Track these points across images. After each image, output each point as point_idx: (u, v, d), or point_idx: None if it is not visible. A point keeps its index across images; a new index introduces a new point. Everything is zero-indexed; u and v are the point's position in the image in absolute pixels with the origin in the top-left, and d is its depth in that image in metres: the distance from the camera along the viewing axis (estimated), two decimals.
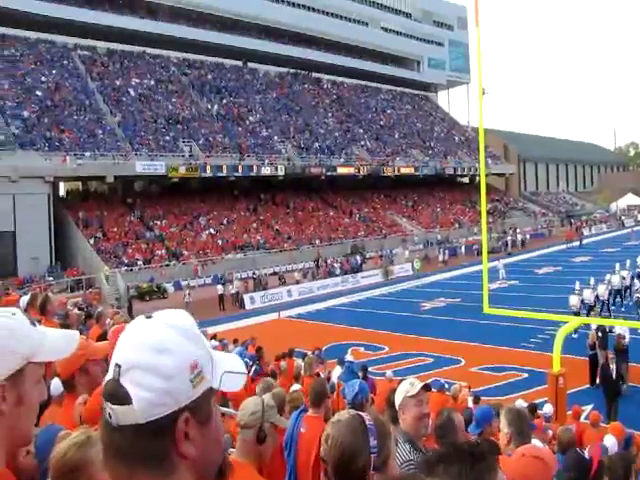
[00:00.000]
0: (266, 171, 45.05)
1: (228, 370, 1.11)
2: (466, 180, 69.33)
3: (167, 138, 43.33)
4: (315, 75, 66.10)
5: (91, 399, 2.85)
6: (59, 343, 1.35)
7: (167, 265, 35.01)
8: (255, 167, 44.24)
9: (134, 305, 28.58)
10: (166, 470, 1.02)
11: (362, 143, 58.94)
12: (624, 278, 24.56)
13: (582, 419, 10.03)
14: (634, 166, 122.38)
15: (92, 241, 34.79)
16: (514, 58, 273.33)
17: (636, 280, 23.80)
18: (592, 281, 22.50)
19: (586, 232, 54.13)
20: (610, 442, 6.79)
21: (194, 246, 37.90)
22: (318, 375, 9.87)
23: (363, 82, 71.08)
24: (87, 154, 36.41)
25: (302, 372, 10.88)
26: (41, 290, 22.51)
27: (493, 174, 67.88)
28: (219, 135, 46.99)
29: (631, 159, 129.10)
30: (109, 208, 39.11)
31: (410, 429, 3.13)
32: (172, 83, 50.65)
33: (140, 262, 34.43)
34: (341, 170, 51.10)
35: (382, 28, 71.08)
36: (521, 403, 9.04)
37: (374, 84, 72.48)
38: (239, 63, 58.84)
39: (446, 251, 44.88)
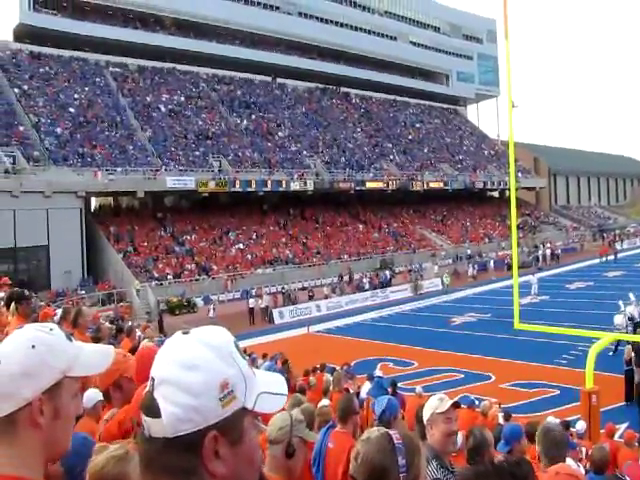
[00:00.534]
0: (295, 186, 45.26)
1: (266, 391, 1.11)
2: (496, 194, 68.76)
3: (197, 153, 43.84)
4: (344, 90, 66.39)
5: (115, 416, 2.89)
6: (95, 358, 1.39)
7: (197, 280, 35.29)
8: (284, 182, 44.48)
9: (164, 319, 28.84)
10: None
11: (391, 157, 58.91)
12: None
13: (616, 437, 9.83)
14: None
15: (123, 255, 35.25)
16: (544, 71, 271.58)
17: None
18: (633, 297, 21.88)
19: (619, 246, 53.06)
20: None
21: (223, 261, 38.17)
22: (347, 390, 9.84)
23: (392, 96, 71.16)
24: (118, 169, 37.00)
25: (331, 387, 10.86)
26: (73, 304, 22.89)
27: (523, 188, 67.29)
28: (248, 150, 47.41)
29: None
30: (140, 223, 39.63)
31: (438, 445, 3.11)
32: (202, 99, 51.31)
33: (170, 276, 34.76)
34: (370, 185, 51.10)
35: (411, 42, 71.28)
36: (553, 420, 8.88)
37: (403, 98, 72.51)
38: (268, 79, 59.39)
39: (475, 266, 44.48)
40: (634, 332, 19.69)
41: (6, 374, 1.22)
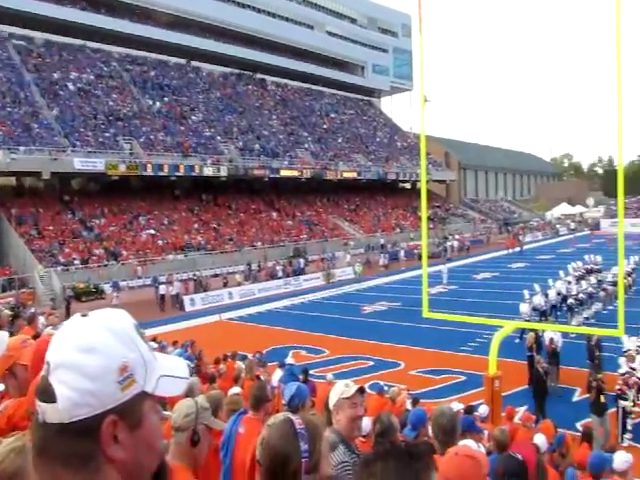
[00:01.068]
0: (208, 172, 44.59)
1: (167, 374, 1.07)
2: (408, 186, 70.39)
3: (107, 135, 42.27)
4: (259, 76, 65.91)
5: (5, 411, 2.69)
6: None
7: (105, 265, 34.16)
8: (197, 167, 43.71)
9: (72, 306, 27.75)
10: (91, 471, 0.98)
11: (306, 146, 59.02)
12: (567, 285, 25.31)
13: (516, 419, 10.27)
14: (568, 176, 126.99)
15: (26, 239, 33.60)
16: (457, 67, 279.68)
17: (575, 285, 24.47)
18: (538, 287, 22.92)
19: (522, 239, 55.58)
20: (540, 441, 7.00)
21: (133, 246, 37.12)
22: (259, 378, 9.77)
23: (307, 85, 71.34)
24: (21, 148, 35.14)
25: (243, 375, 10.76)
26: None
27: (434, 180, 69.26)
28: (161, 134, 46.17)
29: (565, 170, 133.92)
30: (44, 205, 37.86)
31: (344, 430, 3.14)
32: (113, 78, 49.48)
33: (77, 262, 33.46)
34: (284, 173, 51.09)
35: (327, 32, 71.56)
36: (456, 405, 9.16)
37: (318, 87, 72.84)
38: (183, 61, 58.07)
39: (387, 255, 45.39)
40: (539, 321, 20.73)
41: None
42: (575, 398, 14.56)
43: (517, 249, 50.09)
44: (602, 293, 24.95)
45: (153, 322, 24.03)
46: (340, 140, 65.41)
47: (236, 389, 7.70)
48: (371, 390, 11.16)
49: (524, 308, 20.79)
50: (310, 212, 53.70)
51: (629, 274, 28.52)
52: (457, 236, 56.17)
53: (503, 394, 12.72)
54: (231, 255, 40.20)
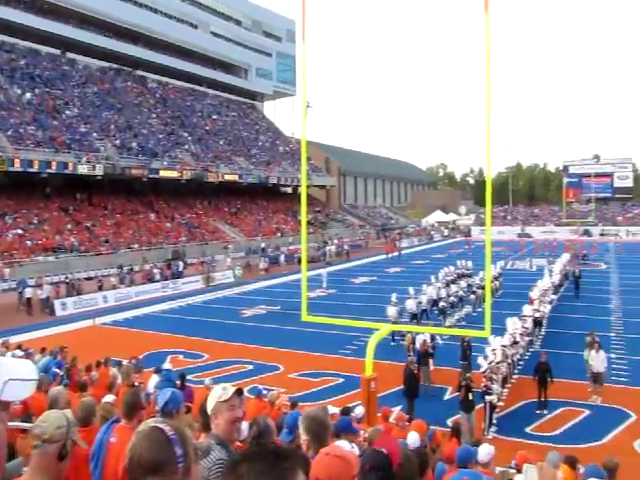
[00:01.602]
0: (83, 169, 42.52)
1: (14, 378, 1.01)
2: (289, 190, 70.93)
3: None
4: (140, 73, 63.89)
5: None
6: None
7: None
8: (71, 165, 41.57)
9: None
10: None
11: (186, 147, 57.84)
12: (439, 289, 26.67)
13: (391, 419, 10.59)
14: (442, 185, 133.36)
15: None
16: (340, 75, 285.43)
17: (447, 289, 25.70)
18: (412, 291, 23.88)
19: (400, 245, 57.59)
20: (412, 438, 7.28)
21: None
22: (134, 385, 9.42)
23: (190, 85, 70.12)
24: None
25: (119, 381, 10.36)
26: None
27: (315, 186, 70.31)
28: (31, 127, 43.44)
29: (440, 179, 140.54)
30: None
31: (223, 434, 3.10)
32: None
33: None
34: (164, 173, 49.84)
35: (212, 32, 70.78)
36: (332, 408, 9.31)
37: (201, 88, 71.81)
38: (57, 52, 55.10)
39: (267, 259, 45.45)
40: (410, 323, 21.63)
41: None
42: (446, 396, 15.26)
43: (396, 254, 51.87)
44: (472, 296, 26.40)
45: (19, 328, 22.61)
46: (222, 142, 64.74)
47: (109, 397, 7.39)
48: (250, 394, 11.13)
49: (391, 311, 21.57)
50: (190, 214, 52.67)
51: (496, 278, 30.40)
52: (336, 241, 57.30)
53: (379, 395, 13.08)
54: (107, 257, 38.59)
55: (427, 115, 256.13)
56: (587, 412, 14.08)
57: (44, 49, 53.92)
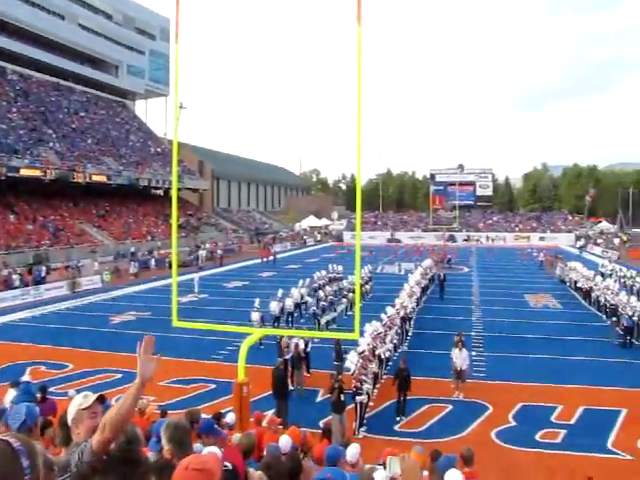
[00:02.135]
0: None
1: None
2: (160, 193, 69.13)
3: None
4: None
5: None
6: None
7: None
8: None
9: None
10: None
11: (51, 145, 54.61)
12: (306, 293, 27.21)
13: (264, 423, 10.56)
14: (316, 191, 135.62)
15: None
16: (214, 77, 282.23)
17: (314, 294, 26.15)
18: (279, 294, 24.16)
19: (273, 249, 57.83)
20: (284, 442, 7.30)
21: None
22: None
23: (56, 79, 66.28)
24: None
25: None
26: None
27: (187, 189, 69.13)
28: None
29: (313, 184, 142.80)
30: None
31: None
32: None
33: None
34: (25, 172, 46.81)
35: (80, 25, 67.36)
36: (181, 420, 9.14)
37: (68, 83, 68.15)
38: None
39: (137, 263, 43.97)
40: (274, 325, 21.90)
41: None
42: (318, 398, 15.49)
43: (271, 258, 51.96)
44: (343, 300, 27.01)
45: None
46: (89, 141, 61.81)
47: None
48: (107, 399, 10.65)
49: (255, 316, 21.68)
50: (54, 216, 49.80)
51: (366, 282, 31.35)
52: (209, 245, 56.57)
53: (252, 399, 13.03)
54: None
55: (301, 121, 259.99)
56: (450, 407, 14.88)
57: None
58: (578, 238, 71.27)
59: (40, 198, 50.18)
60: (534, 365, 18.67)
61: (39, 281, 36.09)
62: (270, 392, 14.56)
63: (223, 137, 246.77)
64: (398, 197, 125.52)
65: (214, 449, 4.68)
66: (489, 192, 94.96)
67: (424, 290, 31.19)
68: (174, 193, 14.49)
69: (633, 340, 21.21)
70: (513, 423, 13.86)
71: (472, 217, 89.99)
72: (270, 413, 13.17)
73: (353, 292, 25.07)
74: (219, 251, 53.75)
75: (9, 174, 45.10)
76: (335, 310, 25.44)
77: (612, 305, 24.97)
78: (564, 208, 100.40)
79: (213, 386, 16.25)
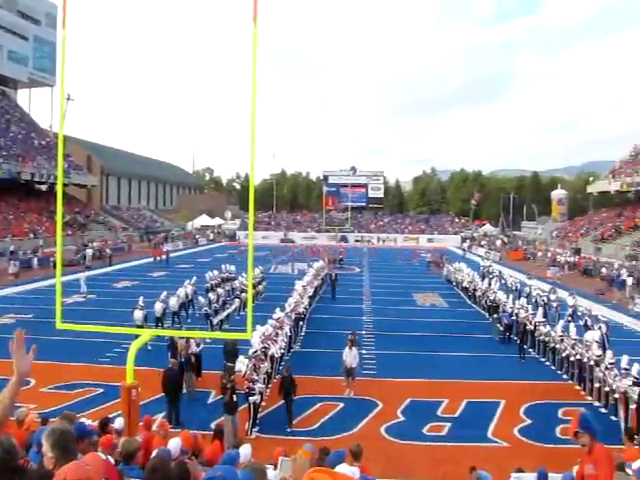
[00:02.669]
0: None
1: None
2: (45, 188, 65.58)
3: None
4: None
5: None
6: None
7: None
8: None
9: None
10: None
11: None
12: (195, 292, 26.84)
13: (154, 427, 10.30)
14: (209, 190, 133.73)
15: None
16: (105, 69, 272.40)
17: (205, 294, 25.71)
18: (163, 295, 23.61)
19: (165, 248, 56.47)
20: (173, 446, 7.19)
21: None
22: None
23: None
24: None
25: None
26: None
27: (74, 184, 66.15)
28: None
29: (207, 183, 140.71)
30: None
31: None
32: None
33: None
34: None
35: None
36: (91, 422, 8.78)
37: None
38: None
39: (18, 263, 41.48)
40: (156, 326, 21.43)
41: None
42: (210, 400, 15.29)
43: (164, 257, 50.53)
44: (236, 300, 26.79)
45: None
46: None
47: None
48: None
49: (137, 315, 21.12)
50: None
51: (259, 282, 31.30)
52: (97, 243, 54.43)
53: (142, 403, 12.63)
54: None
55: (195, 119, 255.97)
56: (341, 405, 15.14)
57: None
58: (464, 240, 74.61)
59: None
60: (422, 362, 19.38)
61: None
62: (160, 395, 14.22)
63: (113, 132, 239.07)
64: (292, 197, 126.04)
65: (95, 455, 4.50)
66: (380, 194, 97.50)
67: (316, 290, 31.52)
68: (59, 188, 13.77)
69: (512, 336, 22.48)
70: (402, 418, 14.31)
71: (364, 218, 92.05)
72: (160, 416, 12.87)
73: (246, 292, 24.92)
74: (108, 250, 51.71)
75: None
76: (227, 310, 25.19)
77: (493, 303, 26.48)
78: (451, 211, 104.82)
79: (100, 390, 15.62)
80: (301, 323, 23.08)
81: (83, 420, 7.76)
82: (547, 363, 19.53)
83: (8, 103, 73.53)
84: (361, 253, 62.55)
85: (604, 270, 42.31)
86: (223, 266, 34.25)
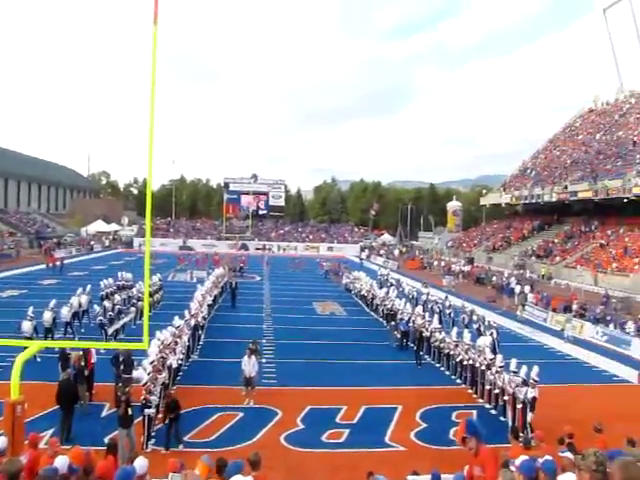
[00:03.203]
0: None
1: None
2: None
3: None
4: None
5: None
6: None
7: None
8: None
9: None
10: None
11: None
12: (90, 302, 25.84)
13: (41, 445, 9.76)
14: (105, 194, 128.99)
15: None
16: None
17: (100, 303, 24.75)
18: (52, 304, 22.43)
19: (57, 255, 53.93)
20: (60, 463, 6.99)
21: None
22: None
23: None
24: None
25: None
26: None
27: None
28: None
29: (103, 187, 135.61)
30: None
31: None
32: None
33: None
34: None
35: None
36: None
37: None
38: None
39: None
40: (46, 337, 20.33)
41: None
42: (104, 413, 14.68)
43: (58, 264, 48.07)
44: (132, 309, 25.97)
45: None
46: None
47: None
48: None
49: (26, 326, 20.04)
50: None
51: (156, 291, 30.51)
52: None
53: (29, 419, 11.97)
54: None
55: (90, 119, 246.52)
56: (241, 415, 14.97)
57: None
58: (363, 249, 76.09)
59: None
60: (322, 369, 19.55)
61: None
62: (49, 410, 13.52)
63: (1, 130, 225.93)
64: (191, 204, 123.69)
65: None
66: (281, 202, 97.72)
67: (216, 298, 31.11)
68: None
69: (409, 343, 23.11)
70: (301, 426, 14.33)
71: (265, 226, 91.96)
72: (48, 434, 12.24)
73: (142, 300, 24.21)
74: None
75: None
76: (123, 319, 24.36)
77: (391, 311, 27.15)
78: (351, 220, 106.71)
79: None
80: (199, 332, 22.66)
81: None
82: (442, 368, 20.26)
83: None
84: (262, 261, 62.46)
85: (495, 279, 44.42)
86: (119, 274, 33.14)
